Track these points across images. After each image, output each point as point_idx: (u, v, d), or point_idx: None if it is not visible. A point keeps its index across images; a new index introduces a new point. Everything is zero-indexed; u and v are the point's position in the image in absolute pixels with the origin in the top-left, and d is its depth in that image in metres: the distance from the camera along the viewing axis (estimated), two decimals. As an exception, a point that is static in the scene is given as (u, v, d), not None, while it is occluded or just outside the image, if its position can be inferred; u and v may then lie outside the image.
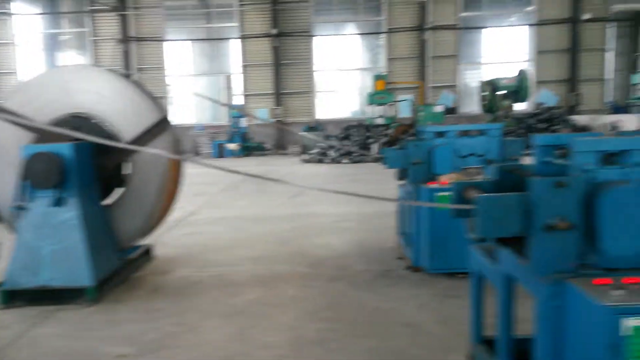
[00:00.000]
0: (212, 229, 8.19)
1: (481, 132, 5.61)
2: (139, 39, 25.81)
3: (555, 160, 2.60)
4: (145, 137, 5.17)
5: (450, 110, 26.09)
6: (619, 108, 24.51)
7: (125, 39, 25.54)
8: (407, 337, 4.07)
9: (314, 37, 26.08)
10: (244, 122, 24.64)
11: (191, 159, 5.44)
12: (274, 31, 25.20)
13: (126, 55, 25.64)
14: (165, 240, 6.99)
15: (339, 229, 7.92)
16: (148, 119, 5.28)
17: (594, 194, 2.28)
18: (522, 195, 2.34)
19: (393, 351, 3.88)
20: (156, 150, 4.73)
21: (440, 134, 5.60)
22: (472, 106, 25.69)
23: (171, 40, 26.39)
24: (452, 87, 26.22)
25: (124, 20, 25.42)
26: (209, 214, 9.44)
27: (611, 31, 26.56)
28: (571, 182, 2.24)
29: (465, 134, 5.72)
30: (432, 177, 5.47)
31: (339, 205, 9.75)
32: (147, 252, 6.07)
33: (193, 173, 19.41)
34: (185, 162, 5.38)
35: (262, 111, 26.06)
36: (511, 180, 2.74)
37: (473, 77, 26.50)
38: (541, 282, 2.33)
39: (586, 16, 24.43)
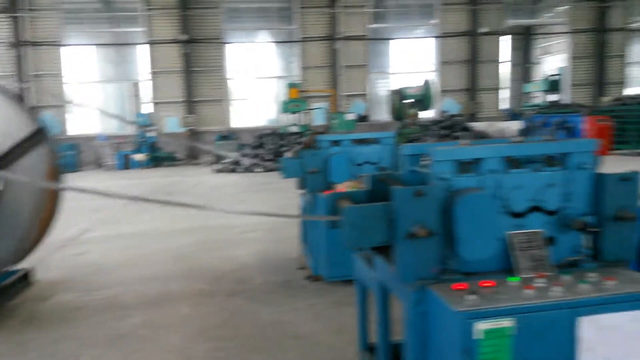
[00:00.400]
0: (106, 248, 7.69)
1: (375, 141, 5.73)
2: (34, 43, 24.03)
3: (420, 168, 2.66)
4: (16, 151, 4.70)
5: (362, 118, 26.78)
6: (515, 115, 26.41)
7: (18, 43, 23.68)
8: (298, 349, 4.02)
9: (226, 44, 25.70)
10: (152, 132, 23.68)
11: (62, 186, 4.87)
12: (184, 37, 24.52)
13: (19, 61, 23.76)
14: (50, 262, 6.46)
15: (244, 241, 7.76)
16: (19, 131, 4.82)
17: (451, 201, 2.34)
18: (386, 205, 2.36)
19: (282, 365, 3.80)
20: (18, 175, 4.29)
21: (336, 143, 5.64)
22: (383, 114, 26.52)
23: (70, 45, 24.82)
24: (363, 95, 26.92)
25: (16, 23, 23.57)
26: (105, 231, 8.88)
27: (507, 44, 28.68)
28: (429, 190, 2.29)
29: (360, 142, 5.81)
30: (329, 186, 5.49)
31: (247, 216, 9.58)
32: (25, 277, 5.53)
33: (97, 185, 18.45)
34: (57, 187, 4.91)
35: (173, 120, 25.24)
36: (383, 189, 2.77)
37: (383, 86, 27.43)
38: (406, 289, 2.36)
39: (483, 29, 26.15)
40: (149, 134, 23.47)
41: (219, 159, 21.91)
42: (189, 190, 14.98)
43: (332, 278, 5.40)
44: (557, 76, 26.20)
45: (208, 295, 5.43)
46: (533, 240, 2.45)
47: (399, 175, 2.80)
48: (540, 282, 2.25)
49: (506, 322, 2.02)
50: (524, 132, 6.90)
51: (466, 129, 22.71)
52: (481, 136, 21.65)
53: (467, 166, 2.43)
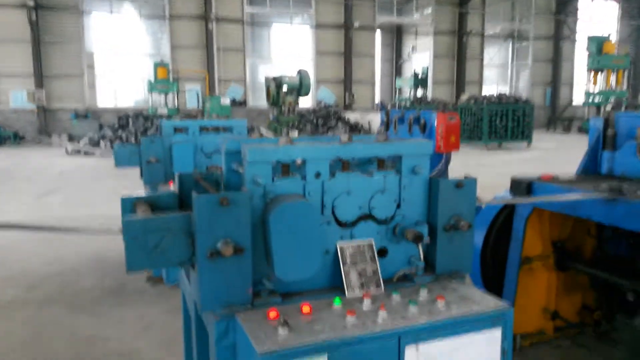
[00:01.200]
0: None
1: (226, 129, 5.21)
2: None
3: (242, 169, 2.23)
4: None
5: (240, 103, 26.02)
6: (384, 108, 27.43)
7: None
8: (115, 372, 3.42)
9: (85, 14, 23.18)
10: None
11: None
12: (30, 2, 21.57)
13: None
14: None
15: (78, 237, 6.80)
16: None
17: (265, 211, 1.95)
18: (184, 216, 1.89)
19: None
20: None
21: (180, 130, 5.03)
22: (262, 100, 25.96)
23: None
24: (241, 80, 26.10)
25: None
26: None
27: (378, 39, 29.64)
28: (237, 198, 1.86)
29: (211, 130, 5.26)
30: (172, 177, 4.87)
31: (96, 205, 8.55)
32: None
33: None
34: None
35: (18, 94, 22.25)
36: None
37: (263, 72, 26.83)
38: (211, 318, 1.92)
39: (356, 24, 26.68)
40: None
41: (72, 139, 19.78)
42: (30, 176, 13.18)
43: (172, 281, 4.83)
44: (423, 74, 27.75)
45: (19, 306, 4.54)
46: (363, 252, 2.14)
47: (219, 175, 2.33)
48: (366, 305, 1.94)
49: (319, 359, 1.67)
50: (384, 126, 6.83)
51: (341, 119, 23.07)
52: (356, 127, 22.16)
53: (287, 169, 2.05)
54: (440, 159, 5.82)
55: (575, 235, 3.90)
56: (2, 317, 4.33)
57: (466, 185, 2.26)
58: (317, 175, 2.06)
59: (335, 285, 2.11)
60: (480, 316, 1.91)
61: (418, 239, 2.12)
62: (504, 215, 3.92)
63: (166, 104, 21.84)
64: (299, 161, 2.04)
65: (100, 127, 21.06)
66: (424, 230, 2.21)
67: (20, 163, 15.66)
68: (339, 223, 2.14)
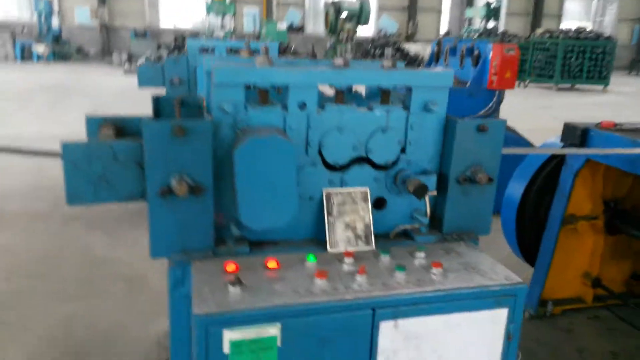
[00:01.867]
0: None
1: (254, 52, 4.82)
2: None
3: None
4: None
5: (297, 29, 25.21)
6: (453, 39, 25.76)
7: None
8: (124, 292, 3.36)
9: None
10: (55, 21, 21.02)
11: None
12: None
13: None
14: None
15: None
16: None
17: (232, 146, 1.63)
18: (134, 144, 1.60)
19: None
20: None
21: (206, 50, 4.70)
22: (320, 27, 25.01)
23: None
24: (299, 5, 25.13)
25: None
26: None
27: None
28: (197, 128, 1.54)
29: (237, 52, 4.89)
30: (197, 101, 4.62)
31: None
32: None
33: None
34: None
35: (82, 10, 22.47)
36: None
37: (323, -3, 25.67)
38: (170, 265, 1.68)
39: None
40: (52, 25, 20.83)
41: (132, 58, 19.95)
42: (87, 91, 13.47)
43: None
44: (497, 3, 25.55)
45: (43, 219, 4.59)
46: (355, 202, 1.80)
47: (201, 99, 2.02)
48: (346, 266, 1.63)
49: (270, 330, 1.39)
50: (434, 57, 6.22)
51: (401, 50, 21.90)
52: (415, 59, 20.98)
53: (263, 95, 1.69)
54: (491, 97, 5.22)
55: (633, 195, 3.36)
56: (27, 230, 4.39)
57: (492, 128, 1.83)
58: (302, 106, 1.70)
59: (320, 238, 1.80)
60: (482, 291, 1.55)
61: (420, 191, 1.74)
62: (551, 167, 3.42)
63: (222, 26, 21.44)
64: (277, 86, 1.68)
65: (159, 47, 21.11)
66: (431, 181, 1.82)
67: (80, 79, 16.03)
68: (328, 166, 1.79)
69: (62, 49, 21.12)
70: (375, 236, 1.82)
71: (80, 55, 21.89)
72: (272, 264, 1.61)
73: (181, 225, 1.62)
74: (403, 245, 1.83)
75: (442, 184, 1.88)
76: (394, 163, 1.84)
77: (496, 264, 1.72)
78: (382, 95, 1.80)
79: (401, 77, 1.74)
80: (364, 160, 1.82)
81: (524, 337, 3.16)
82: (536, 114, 12.28)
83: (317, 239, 1.81)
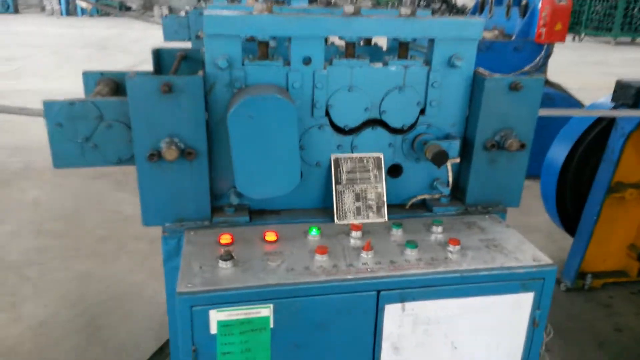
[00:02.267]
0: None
1: (283, 2, 4.57)
2: None
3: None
4: None
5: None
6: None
7: None
8: (132, 259, 3.35)
9: None
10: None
11: None
12: None
13: None
14: None
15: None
16: None
17: (227, 106, 1.47)
18: (120, 102, 1.46)
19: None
20: None
21: (234, 1, 4.48)
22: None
23: None
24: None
25: None
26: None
27: None
28: (187, 85, 1.39)
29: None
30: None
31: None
32: None
33: (32, 30, 16.51)
34: None
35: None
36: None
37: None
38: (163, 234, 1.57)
39: None
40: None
41: (172, 12, 19.82)
42: (126, 47, 13.52)
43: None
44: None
45: (71, 176, 4.63)
46: (367, 169, 1.63)
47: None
48: (352, 239, 1.48)
49: (261, 311, 1.27)
50: (478, 7, 5.78)
51: (447, 1, 20.82)
52: (462, 11, 19.90)
53: (266, 49, 1.51)
54: (538, 51, 4.81)
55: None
56: (54, 185, 4.45)
57: (527, 86, 1.59)
58: (307, 60, 1.51)
59: (328, 207, 1.65)
60: (505, 274, 1.37)
61: (440, 158, 1.54)
62: (600, 129, 3.10)
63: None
64: (278, 38, 1.49)
65: (198, 0, 20.86)
66: (454, 147, 1.62)
67: (122, 34, 16.10)
68: (336, 129, 1.61)
69: (105, 4, 21.19)
70: (389, 207, 1.65)
71: (123, 9, 21.93)
72: (270, 236, 1.47)
73: (174, 193, 1.50)
74: (419, 218, 1.65)
75: (466, 151, 1.67)
76: (412, 126, 1.64)
77: (524, 241, 1.53)
78: (400, 49, 1.58)
79: (421, 26, 1.52)
80: (378, 122, 1.63)
81: (557, 311, 2.97)
82: (588, 71, 11.48)
83: (326, 209, 1.66)
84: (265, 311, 1.27)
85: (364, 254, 1.39)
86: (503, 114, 1.61)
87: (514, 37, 4.97)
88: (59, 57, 11.42)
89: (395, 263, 1.37)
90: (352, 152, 1.64)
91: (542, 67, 4.87)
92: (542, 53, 4.84)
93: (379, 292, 1.31)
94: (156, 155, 1.42)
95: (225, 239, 1.45)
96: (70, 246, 3.48)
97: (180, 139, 1.44)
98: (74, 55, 11.79)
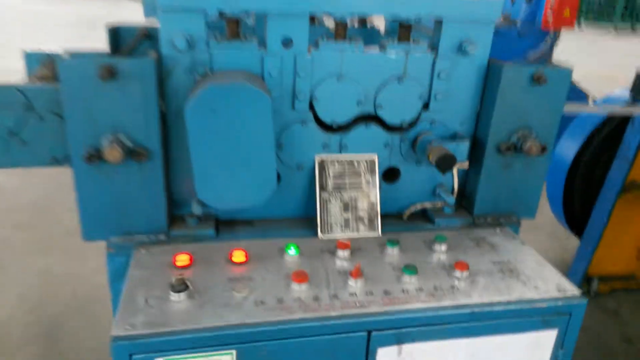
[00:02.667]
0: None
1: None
2: None
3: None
4: None
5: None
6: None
7: None
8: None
9: None
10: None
11: None
12: None
13: None
14: None
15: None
16: None
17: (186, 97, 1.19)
18: (53, 90, 1.18)
19: None
20: None
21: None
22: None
23: None
24: None
25: None
26: None
27: None
28: (133, 70, 1.11)
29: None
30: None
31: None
32: None
33: (25, 8, 15.99)
34: None
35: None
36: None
37: None
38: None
39: None
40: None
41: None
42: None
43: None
44: None
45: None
46: (357, 172, 1.36)
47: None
48: (338, 261, 1.22)
49: (221, 358, 1.01)
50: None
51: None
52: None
53: (236, 28, 1.22)
54: (543, 38, 4.53)
55: None
56: (21, 173, 4.15)
57: (551, 80, 1.33)
58: (287, 42, 1.23)
59: (311, 216, 1.38)
60: (523, 310, 1.12)
61: (446, 162, 1.28)
62: (613, 125, 2.85)
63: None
64: (252, 15, 1.21)
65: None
66: (462, 149, 1.36)
67: (112, 12, 15.60)
68: (322, 125, 1.34)
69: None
70: (384, 217, 1.39)
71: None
72: (238, 256, 1.20)
73: (120, 201, 1.23)
74: (419, 231, 1.39)
75: (476, 153, 1.41)
76: (413, 123, 1.38)
77: (543, 263, 1.27)
78: (400, 31, 1.31)
79: (426, 3, 1.24)
80: (372, 118, 1.36)
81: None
82: (589, 60, 11.23)
83: (309, 218, 1.40)
84: (226, 358, 1.01)
85: (352, 282, 1.13)
86: (522, 111, 1.35)
87: (518, 23, 4.68)
88: (49, 35, 11.00)
89: (391, 294, 1.11)
90: (341, 153, 1.37)
91: (548, 57, 4.60)
92: (548, 40, 4.56)
93: (369, 332, 1.06)
94: (95, 156, 1.14)
95: (182, 260, 1.18)
96: (33, 239, 3.20)
97: (127, 136, 1.17)
98: (64, 33, 11.37)
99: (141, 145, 1.18)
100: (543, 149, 1.37)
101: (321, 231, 1.33)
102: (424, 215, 1.47)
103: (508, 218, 1.47)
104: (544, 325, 1.14)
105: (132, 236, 1.27)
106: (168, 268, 1.17)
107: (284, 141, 1.32)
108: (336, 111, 1.31)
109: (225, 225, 1.36)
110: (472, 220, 1.45)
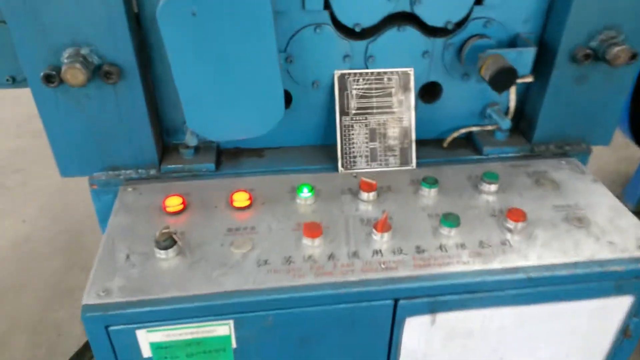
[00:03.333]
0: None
1: None
2: None
3: None
4: None
5: None
6: None
7: None
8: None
9: None
10: None
11: None
12: None
13: None
14: None
15: None
16: None
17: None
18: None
19: None
20: None
21: None
22: None
23: None
24: None
25: None
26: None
27: None
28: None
29: None
30: None
31: None
32: None
33: None
34: None
35: None
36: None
37: None
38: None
39: None
40: None
41: None
42: None
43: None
44: None
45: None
46: (387, 90, 1.09)
47: None
48: (360, 205, 1.00)
49: (217, 329, 0.84)
50: None
51: None
52: None
53: None
54: None
55: None
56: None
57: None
58: None
59: (331, 144, 1.14)
60: (593, 273, 0.88)
61: (504, 77, 0.99)
62: None
63: None
64: None
65: None
66: (527, 58, 1.05)
67: None
68: (343, 29, 1.04)
69: None
70: (421, 144, 1.14)
71: None
72: (239, 199, 0.99)
73: (98, 131, 1.01)
74: (464, 163, 1.14)
75: (543, 62, 1.10)
76: (461, 24, 1.06)
77: (621, 209, 1.02)
78: None
79: None
80: (407, 18, 1.05)
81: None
82: None
83: (329, 146, 1.16)
84: (222, 329, 0.84)
85: (376, 236, 0.91)
86: (608, 6, 1.01)
87: None
88: None
89: (424, 252, 0.89)
90: (367, 67, 1.08)
91: None
92: None
93: (397, 300, 0.85)
94: (55, 77, 0.90)
95: (173, 204, 0.98)
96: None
97: (92, 50, 0.91)
98: None
99: (112, 62, 0.93)
100: (634, 56, 1.04)
101: (342, 165, 1.10)
102: (470, 142, 1.20)
103: (576, 146, 1.18)
104: (617, 291, 0.91)
105: (118, 171, 1.07)
106: (157, 213, 0.97)
107: (293, 52, 1.04)
108: (360, 9, 1.01)
109: (229, 156, 1.14)
110: (530, 148, 1.17)
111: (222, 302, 0.81)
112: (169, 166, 1.08)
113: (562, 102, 1.12)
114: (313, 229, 0.90)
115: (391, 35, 1.05)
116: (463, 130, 1.18)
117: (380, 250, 0.89)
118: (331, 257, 0.88)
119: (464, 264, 0.87)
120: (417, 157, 1.12)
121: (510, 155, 1.17)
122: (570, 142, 1.18)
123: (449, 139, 1.18)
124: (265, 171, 1.10)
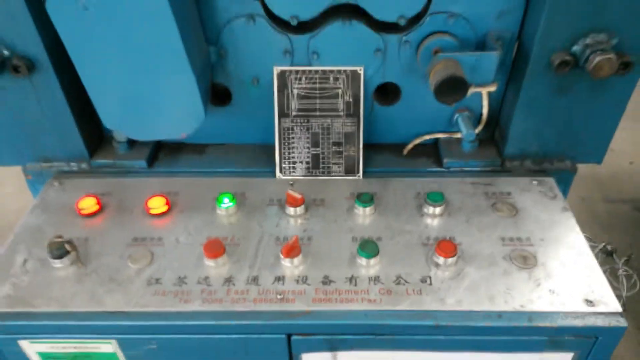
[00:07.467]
0: None
1: None
2: None
3: None
4: None
5: None
6: None
7: None
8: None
9: None
10: None
11: None
12: None
13: None
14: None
15: None
16: None
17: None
18: None
19: None
20: None
21: None
22: None
23: None
24: None
25: None
26: None
27: None
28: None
29: None
30: None
31: None
32: None
33: None
34: None
35: None
36: None
37: None
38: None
39: None
40: None
41: None
42: None
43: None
44: None
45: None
46: (333, 91, 0.98)
47: None
48: (287, 217, 0.92)
49: (101, 346, 0.81)
50: None
51: None
52: None
53: None
54: None
55: None
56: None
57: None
58: None
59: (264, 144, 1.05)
60: (519, 328, 0.76)
61: (447, 90, 0.85)
62: None
63: None
64: None
65: None
66: (488, 65, 0.89)
67: None
68: (279, 21, 0.93)
69: None
70: (379, 147, 1.03)
71: None
72: (155, 206, 0.94)
73: (23, 122, 0.98)
74: (419, 176, 1.02)
75: (518, 68, 0.94)
76: (416, 19, 0.92)
77: (584, 249, 0.87)
78: None
79: None
80: (354, 11, 0.92)
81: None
82: None
83: (274, 146, 1.07)
84: (105, 347, 0.81)
85: (284, 261, 0.83)
86: (597, 1, 0.83)
87: None
88: None
89: (331, 285, 0.81)
90: (312, 63, 0.97)
91: None
92: None
93: (289, 336, 0.78)
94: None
95: (87, 205, 0.94)
96: None
97: (1, 42, 0.87)
98: None
99: (22, 55, 0.88)
100: (626, 65, 0.86)
101: (280, 171, 1.01)
102: (436, 152, 1.07)
103: (558, 163, 1.02)
104: (552, 347, 0.78)
105: (50, 163, 1.05)
106: (72, 214, 0.94)
107: (226, 45, 0.95)
108: (296, 0, 0.89)
109: (169, 151, 1.09)
110: (502, 163, 1.03)
111: (100, 323, 0.77)
112: (100, 161, 1.04)
113: (539, 114, 0.96)
114: (214, 248, 0.83)
115: (336, 29, 0.93)
116: (426, 137, 1.05)
117: (284, 278, 0.82)
118: (228, 281, 0.81)
119: (368, 302, 0.78)
120: (366, 166, 1.01)
121: (475, 169, 1.03)
122: (551, 158, 1.02)
123: (409, 146, 1.06)
124: (200, 172, 1.04)
